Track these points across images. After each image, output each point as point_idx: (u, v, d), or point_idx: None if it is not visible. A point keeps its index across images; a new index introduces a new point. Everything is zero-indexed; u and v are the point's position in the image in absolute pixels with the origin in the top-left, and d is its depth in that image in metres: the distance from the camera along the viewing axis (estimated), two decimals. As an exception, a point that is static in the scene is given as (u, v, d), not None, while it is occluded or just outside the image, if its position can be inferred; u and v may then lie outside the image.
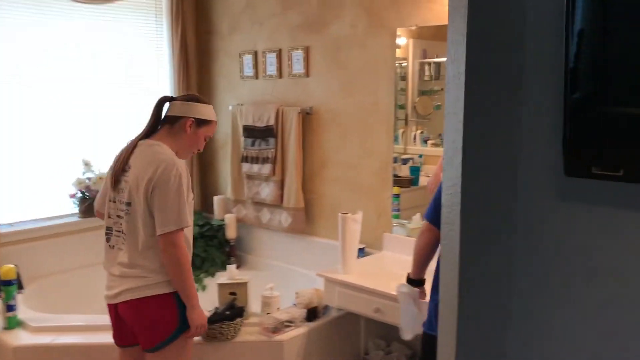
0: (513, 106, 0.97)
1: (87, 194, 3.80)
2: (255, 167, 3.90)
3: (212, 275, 3.98)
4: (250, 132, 3.92)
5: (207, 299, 2.97)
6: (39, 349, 2.78)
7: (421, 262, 2.16)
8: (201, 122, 2.38)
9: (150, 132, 2.36)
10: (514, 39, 0.96)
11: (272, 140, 3.79)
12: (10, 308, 2.93)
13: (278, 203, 3.82)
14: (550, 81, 0.91)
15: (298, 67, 3.73)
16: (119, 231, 2.29)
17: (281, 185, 3.80)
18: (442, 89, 3.42)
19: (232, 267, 3.06)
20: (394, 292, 2.68)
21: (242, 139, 4.00)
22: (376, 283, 2.81)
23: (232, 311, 2.78)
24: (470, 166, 0.96)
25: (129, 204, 2.24)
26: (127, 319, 2.28)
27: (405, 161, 3.43)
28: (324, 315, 3.09)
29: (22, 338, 2.84)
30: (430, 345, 2.07)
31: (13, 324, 2.93)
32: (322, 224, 3.73)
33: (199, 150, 2.46)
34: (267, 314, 2.93)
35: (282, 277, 3.67)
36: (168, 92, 4.26)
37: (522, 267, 0.98)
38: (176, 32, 4.18)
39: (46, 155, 3.77)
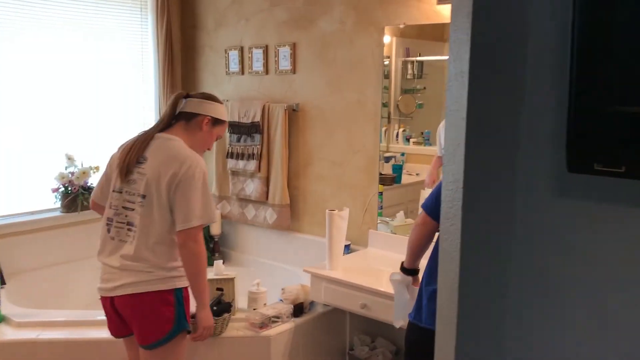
0: (515, 102, 0.99)
1: (70, 189, 3.76)
2: (241, 163, 3.89)
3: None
4: (236, 128, 3.91)
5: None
6: (23, 344, 2.74)
7: (415, 254, 2.19)
8: (216, 122, 2.42)
9: (165, 126, 2.35)
10: (517, 36, 0.98)
11: (257, 137, 3.78)
12: (-8, 303, 2.89)
13: (263, 199, 3.82)
14: (553, 77, 0.93)
15: (285, 64, 3.73)
16: (122, 222, 2.25)
17: (266, 181, 3.79)
18: (424, 88, 3.46)
19: (218, 263, 3.05)
20: (380, 288, 2.72)
21: (227, 134, 3.99)
22: (362, 279, 2.84)
23: (219, 307, 2.78)
24: (472, 161, 0.97)
25: (144, 196, 2.21)
26: (123, 312, 2.26)
27: (387, 159, 3.46)
28: (310, 311, 3.11)
29: (5, 333, 2.80)
30: (415, 335, 2.09)
31: (-4, 319, 2.89)
32: (308, 221, 3.74)
33: (208, 149, 2.47)
34: (254, 309, 2.94)
35: (267, 273, 3.67)
36: (152, 87, 4.24)
37: (523, 262, 0.99)
38: (161, 26, 4.14)
39: (28, 150, 3.71)
